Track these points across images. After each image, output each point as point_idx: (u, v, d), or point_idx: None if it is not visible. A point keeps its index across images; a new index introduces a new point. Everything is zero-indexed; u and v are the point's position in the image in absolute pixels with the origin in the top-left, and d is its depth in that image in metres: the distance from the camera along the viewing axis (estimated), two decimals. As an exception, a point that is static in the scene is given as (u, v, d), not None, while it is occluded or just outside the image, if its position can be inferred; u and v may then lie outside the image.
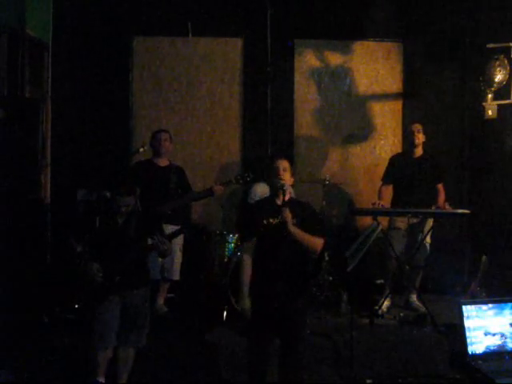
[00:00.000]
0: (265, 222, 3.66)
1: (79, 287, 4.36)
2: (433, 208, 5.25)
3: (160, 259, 5.13)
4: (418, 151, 5.41)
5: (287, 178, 3.69)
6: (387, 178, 5.53)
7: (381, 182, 5.57)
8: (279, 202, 3.67)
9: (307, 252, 3.67)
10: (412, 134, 5.37)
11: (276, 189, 3.67)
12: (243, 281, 3.70)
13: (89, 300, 4.00)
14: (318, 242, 3.63)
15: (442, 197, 5.34)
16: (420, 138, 5.37)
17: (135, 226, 3.93)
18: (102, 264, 3.83)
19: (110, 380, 3.95)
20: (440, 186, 5.41)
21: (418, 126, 5.38)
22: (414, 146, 5.38)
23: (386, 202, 5.40)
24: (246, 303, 3.67)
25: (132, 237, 3.90)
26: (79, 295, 4.78)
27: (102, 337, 3.84)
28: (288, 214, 3.56)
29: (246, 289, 3.68)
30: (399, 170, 5.46)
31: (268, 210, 3.72)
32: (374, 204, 5.25)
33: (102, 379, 3.88)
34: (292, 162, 3.81)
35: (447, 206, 5.18)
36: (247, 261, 3.72)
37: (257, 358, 3.69)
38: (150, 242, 3.91)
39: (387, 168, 5.57)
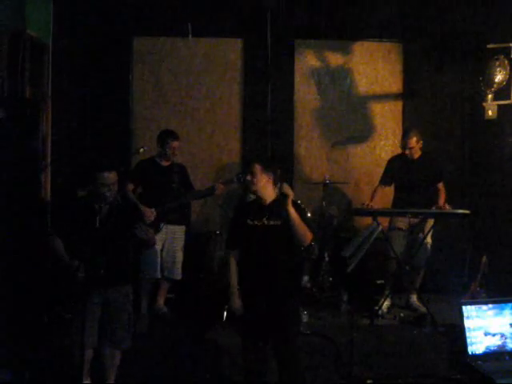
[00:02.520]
0: (250, 222, 3.69)
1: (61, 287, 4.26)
2: (433, 208, 5.26)
3: (159, 258, 5.15)
4: (415, 153, 5.40)
5: (258, 182, 3.70)
6: (384, 179, 5.56)
7: (378, 183, 5.59)
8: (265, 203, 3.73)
9: (296, 241, 3.69)
10: (406, 141, 5.32)
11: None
12: (231, 282, 3.79)
13: (69, 300, 3.95)
14: (308, 233, 3.68)
15: (442, 196, 5.36)
16: (413, 152, 5.34)
17: (115, 218, 3.86)
18: (84, 259, 3.74)
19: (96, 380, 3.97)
20: (440, 186, 5.43)
21: (411, 142, 5.30)
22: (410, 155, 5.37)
23: (377, 203, 5.41)
24: (236, 302, 3.74)
25: (112, 229, 3.81)
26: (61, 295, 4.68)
27: (81, 338, 3.78)
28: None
29: (234, 290, 3.76)
30: (398, 172, 5.47)
31: (254, 212, 3.75)
32: (363, 205, 5.29)
33: (86, 380, 3.87)
34: (264, 162, 3.78)
35: (447, 206, 5.19)
36: (232, 264, 3.81)
37: (251, 359, 3.71)
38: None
39: (385, 170, 5.59)
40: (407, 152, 5.34)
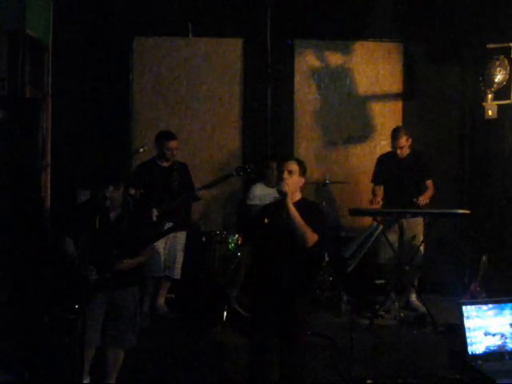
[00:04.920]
0: (266, 220, 3.69)
1: (70, 288, 4.26)
2: (415, 200, 5.25)
3: (163, 257, 5.15)
4: (405, 152, 5.42)
5: (292, 182, 3.69)
6: (377, 178, 5.58)
7: (372, 184, 5.61)
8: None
9: (298, 242, 3.63)
10: (397, 142, 5.36)
11: (278, 192, 3.72)
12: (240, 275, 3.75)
13: (74, 301, 3.94)
14: (310, 235, 3.59)
15: (428, 192, 5.37)
16: (404, 151, 5.39)
17: (128, 222, 3.87)
18: (94, 261, 3.73)
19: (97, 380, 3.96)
20: (429, 183, 5.45)
21: (402, 141, 5.34)
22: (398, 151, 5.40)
23: (381, 200, 5.43)
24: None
25: (123, 233, 3.82)
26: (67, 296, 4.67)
27: (83, 336, 3.79)
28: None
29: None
30: (387, 170, 5.51)
31: (272, 211, 3.75)
32: (371, 202, 5.33)
33: (86, 380, 3.87)
34: (301, 164, 3.80)
35: (422, 201, 5.21)
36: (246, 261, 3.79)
37: (258, 358, 3.70)
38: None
39: (375, 168, 5.62)
40: (398, 151, 5.39)
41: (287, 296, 3.66)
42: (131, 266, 3.83)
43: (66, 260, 3.93)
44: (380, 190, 5.54)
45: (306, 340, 3.82)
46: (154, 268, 5.11)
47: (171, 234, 5.18)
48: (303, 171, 3.77)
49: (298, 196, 3.78)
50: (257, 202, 5.58)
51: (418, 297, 5.39)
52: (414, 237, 5.35)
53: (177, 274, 5.29)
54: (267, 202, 5.39)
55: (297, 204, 3.70)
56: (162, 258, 5.18)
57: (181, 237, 5.29)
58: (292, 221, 3.60)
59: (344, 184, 6.17)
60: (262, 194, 5.59)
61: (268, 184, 5.63)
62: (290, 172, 3.69)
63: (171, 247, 5.24)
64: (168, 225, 5.15)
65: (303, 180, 3.78)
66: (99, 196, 3.83)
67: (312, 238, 3.61)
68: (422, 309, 5.21)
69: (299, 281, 3.69)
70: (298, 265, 3.68)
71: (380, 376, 4.34)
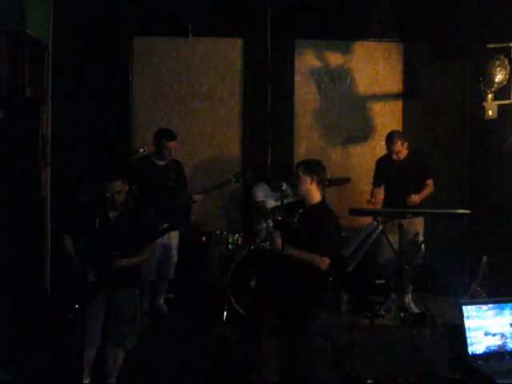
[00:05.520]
0: (281, 219, 3.80)
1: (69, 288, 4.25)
2: (406, 198, 5.27)
3: (157, 257, 5.14)
4: (402, 155, 5.44)
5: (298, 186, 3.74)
6: (376, 181, 5.62)
7: (372, 186, 5.64)
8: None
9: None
10: (392, 147, 5.39)
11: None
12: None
13: (74, 301, 3.93)
14: (317, 260, 3.56)
15: (425, 192, 5.37)
16: (400, 154, 5.40)
17: (128, 221, 3.89)
18: (94, 261, 3.74)
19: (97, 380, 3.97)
20: (429, 182, 5.46)
21: (396, 146, 5.36)
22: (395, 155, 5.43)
23: (380, 202, 5.47)
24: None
25: (123, 234, 3.84)
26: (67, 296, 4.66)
27: (83, 336, 3.79)
28: (276, 240, 3.59)
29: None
30: (386, 173, 5.53)
31: (292, 210, 3.79)
32: (368, 202, 5.37)
33: (86, 380, 3.88)
34: (307, 166, 3.83)
35: (416, 199, 5.22)
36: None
37: (248, 351, 3.71)
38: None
39: (375, 171, 5.66)
40: (394, 156, 5.43)
41: (287, 297, 3.65)
42: (130, 265, 3.83)
43: (66, 259, 3.93)
44: (379, 192, 5.55)
45: (306, 343, 3.81)
46: (149, 269, 5.09)
47: (165, 235, 5.18)
48: (307, 169, 3.77)
49: (315, 198, 3.77)
50: (263, 198, 5.59)
51: (413, 297, 5.39)
52: (416, 235, 5.35)
53: (171, 274, 5.30)
54: (269, 200, 5.47)
55: (312, 208, 3.69)
56: (157, 258, 5.16)
57: (174, 237, 5.28)
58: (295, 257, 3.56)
59: (344, 184, 6.17)
60: (264, 193, 5.61)
61: (270, 187, 5.63)
62: (297, 177, 3.73)
63: (165, 247, 5.23)
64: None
65: (314, 177, 3.75)
66: (100, 196, 3.83)
67: (321, 261, 3.58)
68: (416, 310, 5.21)
69: (301, 291, 3.68)
70: (300, 274, 3.66)
71: (380, 376, 4.35)
